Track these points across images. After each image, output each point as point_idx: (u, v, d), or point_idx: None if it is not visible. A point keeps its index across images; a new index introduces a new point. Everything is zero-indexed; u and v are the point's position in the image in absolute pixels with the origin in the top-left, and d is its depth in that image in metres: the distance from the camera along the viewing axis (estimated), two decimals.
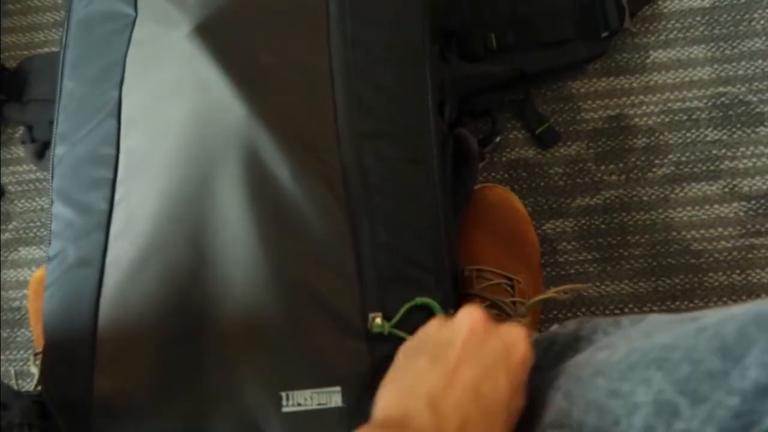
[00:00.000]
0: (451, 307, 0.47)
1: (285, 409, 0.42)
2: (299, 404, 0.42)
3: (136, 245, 0.45)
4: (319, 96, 0.47)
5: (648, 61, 0.72)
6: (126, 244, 0.46)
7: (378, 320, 0.43)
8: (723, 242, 0.67)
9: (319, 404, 0.42)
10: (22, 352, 0.74)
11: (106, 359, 0.44)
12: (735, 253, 0.67)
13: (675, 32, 0.72)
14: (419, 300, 0.44)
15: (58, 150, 0.51)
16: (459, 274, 0.50)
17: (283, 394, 0.42)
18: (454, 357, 0.35)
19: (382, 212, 0.46)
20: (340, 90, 0.47)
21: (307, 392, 0.42)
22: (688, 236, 0.67)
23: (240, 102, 0.45)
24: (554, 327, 0.43)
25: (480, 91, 0.68)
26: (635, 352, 0.32)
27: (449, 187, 0.52)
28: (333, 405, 0.42)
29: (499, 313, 0.53)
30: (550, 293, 0.50)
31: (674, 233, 0.68)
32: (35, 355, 0.65)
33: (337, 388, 0.42)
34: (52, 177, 0.51)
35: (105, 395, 0.43)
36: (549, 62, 0.69)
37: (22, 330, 0.76)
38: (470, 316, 0.37)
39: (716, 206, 0.68)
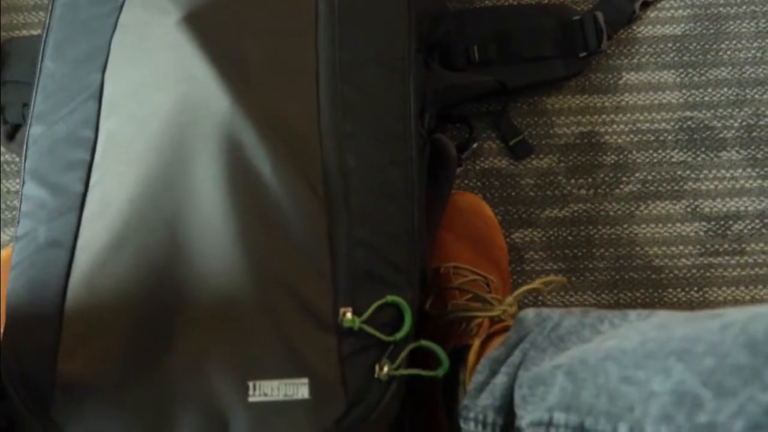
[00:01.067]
0: (416, 311, 0.47)
1: (251, 399, 0.42)
2: (266, 394, 0.42)
3: (109, 229, 0.45)
4: (303, 93, 0.48)
5: (620, 82, 0.75)
6: (99, 228, 0.45)
7: (348, 315, 0.44)
8: (683, 260, 0.70)
9: (285, 395, 0.42)
10: None
11: (71, 342, 0.43)
12: (694, 270, 0.69)
13: (647, 56, 0.75)
14: (390, 298, 0.45)
15: (34, 129, 0.50)
16: (426, 274, 0.51)
17: (251, 384, 0.42)
18: None
19: (360, 212, 0.47)
20: (325, 89, 0.48)
21: (275, 382, 0.42)
22: (651, 252, 0.70)
23: (225, 93, 0.45)
24: (559, 310, 0.43)
25: (460, 100, 0.69)
26: (651, 341, 0.31)
27: (424, 192, 0.53)
28: (299, 397, 0.42)
29: (484, 305, 0.53)
30: (536, 284, 0.51)
31: (637, 248, 0.70)
32: None
33: (305, 380, 0.42)
34: (25, 157, 0.50)
35: (68, 378, 0.42)
36: (529, 77, 0.72)
37: None
38: None
39: (678, 225, 0.71)
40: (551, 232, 0.71)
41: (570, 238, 0.71)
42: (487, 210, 0.66)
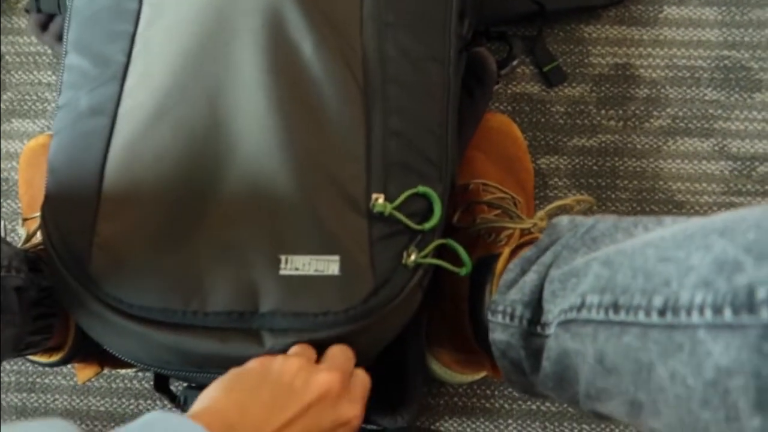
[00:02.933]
0: (446, 205, 0.48)
1: (282, 272, 0.43)
2: (296, 268, 0.43)
3: (151, 98, 0.45)
4: None
5: (661, 15, 0.74)
6: (141, 97, 0.46)
7: (380, 200, 0.44)
8: (706, 197, 0.70)
9: (316, 270, 0.43)
10: (5, 223, 0.73)
11: (110, 206, 0.44)
12: (715, 208, 0.70)
13: None
14: (421, 188, 0.45)
15: (77, 2, 0.50)
16: (455, 176, 0.51)
17: (282, 257, 0.43)
18: (292, 412, 0.37)
19: (397, 102, 0.47)
20: None
21: (306, 258, 0.43)
22: (674, 187, 0.70)
23: None
24: (593, 217, 0.43)
25: (497, 17, 0.68)
26: (693, 226, 0.31)
27: (458, 96, 0.53)
28: (329, 273, 0.43)
29: (514, 219, 0.53)
30: (568, 200, 0.51)
31: (661, 183, 0.70)
32: (24, 219, 0.65)
33: (336, 257, 0.43)
34: (68, 29, 0.50)
35: (106, 238, 0.43)
36: (568, 2, 0.70)
37: (8, 201, 0.76)
38: (330, 382, 0.39)
39: (704, 162, 0.70)
40: (577, 161, 0.71)
41: (595, 167, 0.71)
42: (517, 132, 0.66)
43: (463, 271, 0.47)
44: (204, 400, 0.38)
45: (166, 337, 0.43)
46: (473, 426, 0.64)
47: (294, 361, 0.40)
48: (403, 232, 0.45)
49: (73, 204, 0.45)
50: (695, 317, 0.28)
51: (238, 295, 0.43)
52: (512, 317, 0.43)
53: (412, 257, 0.44)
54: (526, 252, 0.46)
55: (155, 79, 0.46)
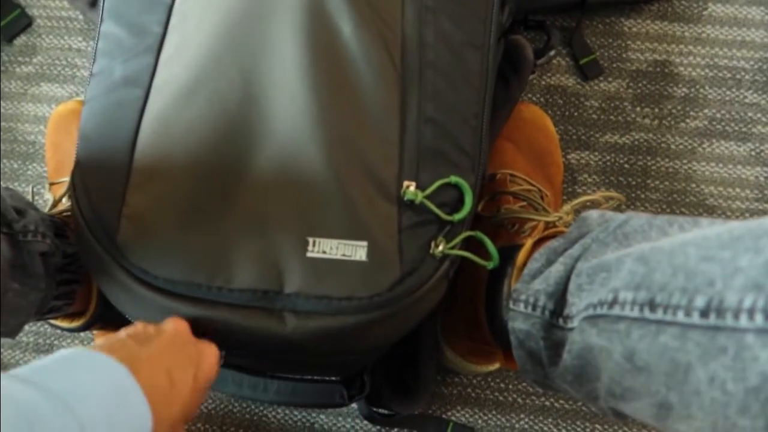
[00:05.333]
0: (477, 197, 0.47)
1: (309, 254, 0.42)
2: (324, 252, 0.42)
3: (186, 72, 0.45)
4: None
5: (705, 12, 0.72)
6: (176, 70, 0.45)
7: (412, 188, 0.44)
8: (738, 202, 0.68)
9: (343, 255, 0.42)
10: (31, 185, 0.74)
11: (140, 177, 0.44)
12: (747, 214, 0.68)
13: None
14: (453, 179, 0.45)
15: None
16: (486, 170, 0.50)
17: (310, 240, 0.43)
18: (157, 344, 0.38)
19: (434, 88, 0.46)
20: None
21: (334, 242, 0.42)
22: (706, 190, 0.68)
23: None
24: (626, 213, 0.42)
25: (536, 8, 0.67)
26: (739, 228, 0.30)
27: (494, 84, 0.52)
28: (357, 258, 0.42)
29: (539, 211, 0.52)
30: (597, 195, 0.50)
31: (693, 185, 0.69)
32: (51, 184, 0.65)
33: (364, 243, 0.42)
34: None
35: (135, 209, 0.43)
36: None
37: (34, 164, 0.76)
38: (177, 323, 0.41)
39: (739, 167, 0.69)
40: (608, 158, 0.70)
41: (627, 165, 0.69)
42: (550, 125, 0.65)
43: (490, 265, 0.47)
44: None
45: (189, 311, 0.43)
46: (485, 418, 0.64)
47: (136, 325, 0.42)
48: (432, 222, 0.44)
49: (103, 172, 0.45)
50: (743, 321, 0.27)
51: (264, 273, 0.43)
52: (534, 307, 0.42)
53: (440, 247, 0.44)
54: (553, 243, 0.45)
55: (191, 53, 0.45)
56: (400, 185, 0.44)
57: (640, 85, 0.71)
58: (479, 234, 0.47)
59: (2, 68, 0.78)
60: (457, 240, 0.45)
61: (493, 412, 0.64)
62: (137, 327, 0.40)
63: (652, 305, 0.31)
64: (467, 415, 0.64)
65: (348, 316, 0.42)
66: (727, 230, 0.31)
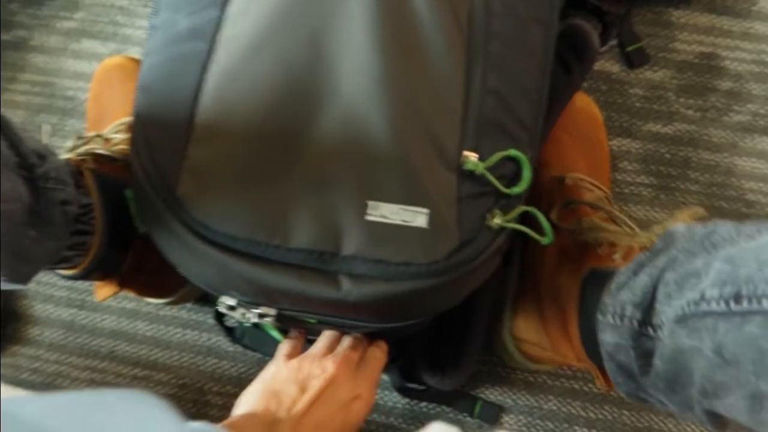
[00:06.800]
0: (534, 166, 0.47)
1: (368, 217, 0.42)
2: (383, 216, 0.42)
3: (253, 27, 0.44)
4: None
5: (754, 8, 0.71)
6: (243, 25, 0.45)
7: (473, 158, 0.44)
8: None
9: (403, 220, 0.42)
10: (68, 141, 0.74)
11: (202, 131, 0.44)
12: None
13: None
14: (512, 152, 0.45)
15: None
16: (540, 147, 0.50)
17: (370, 203, 0.42)
18: (311, 395, 0.45)
19: (497, 59, 0.46)
20: None
21: (394, 206, 0.42)
22: (746, 186, 0.69)
23: None
24: (713, 222, 0.42)
25: None
26: None
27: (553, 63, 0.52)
28: (416, 224, 0.42)
29: (624, 229, 0.52)
30: (685, 215, 0.49)
31: (733, 179, 0.69)
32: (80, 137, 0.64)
33: (425, 210, 0.42)
34: None
35: (196, 162, 0.43)
36: None
37: (72, 120, 0.76)
38: (335, 368, 0.47)
39: None
40: (649, 147, 0.70)
41: (668, 155, 0.69)
42: (598, 114, 0.65)
43: (545, 240, 0.46)
44: (242, 407, 0.45)
45: (244, 267, 0.43)
46: (513, 397, 0.64)
47: (305, 362, 0.48)
48: (489, 194, 0.44)
49: (165, 125, 0.44)
50: None
51: (321, 234, 0.42)
52: (622, 318, 0.43)
53: (497, 219, 0.44)
54: (639, 256, 0.45)
55: (259, 9, 0.45)
56: (460, 153, 0.44)
57: (685, 76, 0.71)
58: (533, 210, 0.47)
59: (44, 23, 0.78)
60: (513, 213, 0.45)
61: (523, 392, 0.64)
62: (279, 379, 0.47)
63: (738, 297, 0.32)
64: (496, 393, 0.64)
65: (404, 282, 0.42)
66: None
